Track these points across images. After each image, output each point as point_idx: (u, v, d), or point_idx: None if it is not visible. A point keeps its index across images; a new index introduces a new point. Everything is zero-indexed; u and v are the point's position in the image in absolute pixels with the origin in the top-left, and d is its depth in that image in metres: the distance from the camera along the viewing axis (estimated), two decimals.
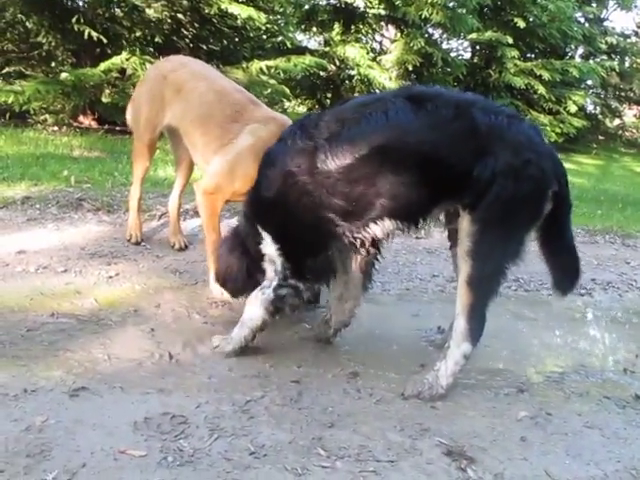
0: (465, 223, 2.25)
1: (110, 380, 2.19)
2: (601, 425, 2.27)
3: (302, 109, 12.07)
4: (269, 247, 2.43)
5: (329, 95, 11.54)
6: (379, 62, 10.62)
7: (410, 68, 10.51)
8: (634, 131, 20.79)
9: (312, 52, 9.94)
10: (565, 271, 2.50)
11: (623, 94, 19.65)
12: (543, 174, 2.25)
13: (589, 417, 2.32)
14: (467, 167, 2.19)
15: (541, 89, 13.13)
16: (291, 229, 2.38)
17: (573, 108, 13.99)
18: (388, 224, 2.32)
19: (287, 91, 8.28)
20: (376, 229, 2.32)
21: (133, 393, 2.12)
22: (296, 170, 2.29)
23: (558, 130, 13.79)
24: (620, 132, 20.42)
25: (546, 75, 12.93)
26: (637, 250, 5.08)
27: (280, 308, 2.45)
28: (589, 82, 16.06)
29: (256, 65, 7.67)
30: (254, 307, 2.46)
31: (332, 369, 2.48)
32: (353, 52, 10.11)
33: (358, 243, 2.37)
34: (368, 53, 10.15)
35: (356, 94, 11.40)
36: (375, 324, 3.05)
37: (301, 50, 9.62)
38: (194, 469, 1.75)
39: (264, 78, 7.88)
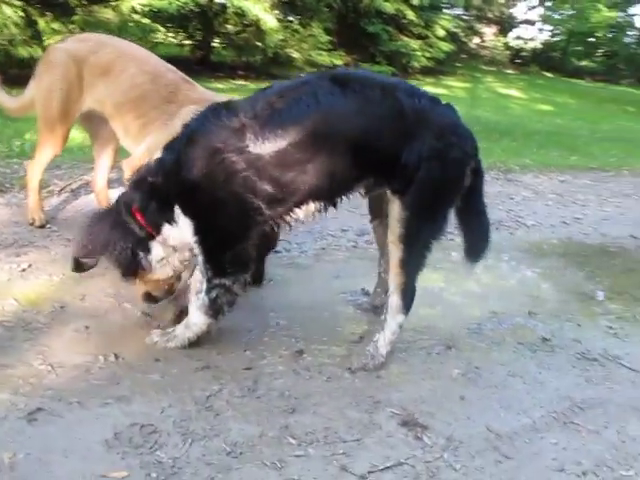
0: (396, 209, 2.36)
1: (64, 395, 2.13)
2: (521, 372, 2.59)
3: (173, 40, 11.40)
4: (186, 236, 2.34)
5: (200, 27, 10.97)
6: None
7: None
8: (494, 50, 21.97)
9: None
10: (476, 240, 2.66)
11: (484, 14, 20.52)
12: (464, 155, 2.40)
13: (510, 366, 2.63)
14: (395, 150, 2.27)
15: (410, 14, 13.37)
16: (214, 218, 2.31)
17: (441, 32, 14.46)
18: (312, 207, 2.36)
19: (160, 28, 7.79)
20: (300, 213, 2.36)
21: (92, 407, 2.09)
22: (223, 147, 2.20)
23: (428, 54, 14.26)
24: (481, 51, 21.47)
25: (415, 0, 13.16)
26: (518, 185, 5.56)
27: (219, 309, 2.42)
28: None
29: (127, 4, 7.10)
30: (195, 313, 2.44)
31: (277, 349, 2.56)
32: None
33: (277, 228, 2.43)
34: None
35: (229, 26, 10.98)
36: (302, 291, 3.15)
37: None
38: None
39: (136, 17, 7.33)
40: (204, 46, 10.78)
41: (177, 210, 2.31)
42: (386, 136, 2.28)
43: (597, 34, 21.80)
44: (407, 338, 2.74)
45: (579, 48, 23.75)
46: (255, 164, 2.20)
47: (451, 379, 2.50)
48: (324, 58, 11.07)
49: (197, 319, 2.45)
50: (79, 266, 2.46)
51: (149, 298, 2.61)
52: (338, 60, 11.61)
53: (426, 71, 14.69)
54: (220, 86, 8.80)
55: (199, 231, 2.30)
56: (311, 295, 3.12)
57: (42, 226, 3.44)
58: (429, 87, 12.77)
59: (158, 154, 2.42)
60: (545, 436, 2.20)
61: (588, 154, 7.26)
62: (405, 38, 13.83)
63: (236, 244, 2.33)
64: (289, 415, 2.16)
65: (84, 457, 1.85)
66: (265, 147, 2.19)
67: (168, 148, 2.38)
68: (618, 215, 5.15)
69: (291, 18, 10.31)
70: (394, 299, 2.48)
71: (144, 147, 2.94)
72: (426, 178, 2.30)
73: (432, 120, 2.31)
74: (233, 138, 2.20)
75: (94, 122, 3.33)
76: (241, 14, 9.51)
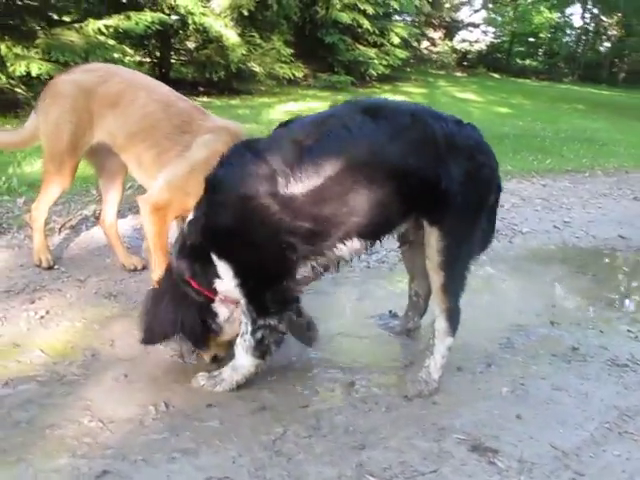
0: (434, 239, 2.33)
1: (125, 453, 2.04)
2: (564, 385, 2.63)
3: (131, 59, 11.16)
4: (228, 282, 2.27)
5: (159, 45, 10.79)
6: (211, 9, 10.09)
7: (245, 13, 10.15)
8: (443, 54, 22.52)
9: (139, 3, 9.12)
10: (484, 239, 2.64)
11: (433, 20, 21.02)
12: (492, 173, 2.42)
13: (551, 379, 2.67)
14: (434, 176, 2.23)
15: (366, 23, 13.51)
16: (251, 260, 2.24)
17: (396, 40, 14.67)
18: (356, 244, 2.30)
19: (127, 50, 7.62)
20: (344, 250, 2.29)
21: (160, 463, 2.00)
22: (254, 194, 2.13)
23: (385, 62, 14.43)
24: (431, 56, 21.99)
25: (370, 9, 13.30)
26: (505, 192, 5.60)
27: (266, 350, 2.36)
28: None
29: (92, 25, 6.90)
30: (242, 356, 2.37)
31: (327, 383, 2.53)
32: (184, 0, 9.46)
33: (322, 268, 2.36)
34: (201, 0, 9.56)
35: (191, 44, 10.86)
36: (329, 318, 3.09)
37: (132, 3, 8.78)
38: None
39: (101, 39, 7.14)
40: (164, 64, 10.61)
41: (215, 258, 2.25)
42: (423, 162, 2.22)
43: (540, 35, 22.67)
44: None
45: (522, 49, 24.66)
46: (290, 205, 2.13)
47: (502, 398, 2.52)
48: (285, 71, 11.06)
49: (244, 361, 2.38)
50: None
51: (215, 359, 2.55)
52: (298, 72, 11.63)
53: (383, 79, 14.88)
54: None
55: (238, 274, 2.24)
56: (340, 321, 3.09)
57: (50, 267, 3.30)
58: (388, 94, 13.00)
59: (190, 215, 2.35)
60: (606, 449, 2.24)
61: (560, 156, 7.50)
62: (361, 47, 13.98)
63: (276, 283, 2.27)
64: (360, 451, 2.13)
65: None
66: (298, 188, 2.11)
67: (198, 205, 2.32)
68: (601, 216, 5.33)
69: (252, 33, 10.20)
70: (441, 323, 2.48)
71: (162, 182, 2.85)
72: (463, 203, 2.29)
73: (461, 143, 2.30)
74: (264, 184, 2.12)
75: (100, 155, 3.21)
76: (202, 30, 9.39)
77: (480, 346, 2.94)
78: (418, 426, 2.28)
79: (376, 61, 13.99)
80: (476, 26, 24.45)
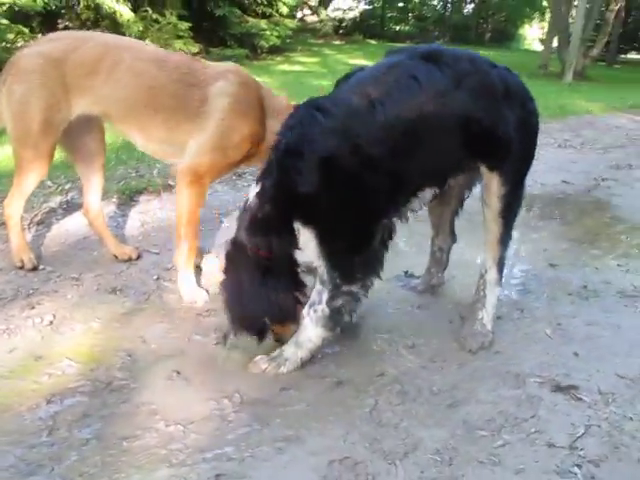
0: (495, 185, 2.35)
1: (226, 452, 1.87)
2: (594, 320, 2.75)
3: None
4: (312, 250, 2.15)
5: (44, 24, 9.83)
6: None
7: None
8: (321, 23, 22.56)
9: None
10: None
11: None
12: (537, 120, 2.46)
13: (581, 316, 2.79)
14: (494, 123, 2.22)
15: None
16: (338, 224, 2.14)
17: (285, 10, 14.43)
18: (428, 193, 2.33)
19: (25, 30, 6.85)
20: (416, 202, 2.31)
21: (269, 456, 1.86)
22: (335, 155, 2.03)
23: (276, 33, 14.16)
24: (316, 25, 21.97)
25: None
26: None
27: (339, 319, 2.26)
28: None
29: None
30: (309, 328, 2.25)
31: (388, 348, 2.47)
32: None
33: (395, 221, 2.32)
34: None
35: (79, 21, 9.99)
36: None
37: None
38: None
39: None
40: None
41: (297, 227, 2.11)
42: (486, 108, 2.20)
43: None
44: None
45: (394, 14, 25.30)
46: (370, 163, 2.05)
47: (550, 339, 2.60)
48: (181, 46, 10.53)
49: (312, 334, 2.26)
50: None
51: (279, 339, 2.40)
52: (194, 48, 11.13)
53: (273, 50, 14.62)
54: None
55: (324, 241, 2.11)
56: None
57: (34, 268, 2.92)
58: (284, 66, 12.84)
59: (253, 189, 2.17)
60: None
61: None
62: (251, 19, 13.60)
63: (363, 246, 2.18)
64: (456, 409, 2.11)
65: None
66: (376, 144, 2.04)
67: (265, 174, 2.14)
68: (542, 165, 5.59)
69: (146, 8, 9.57)
70: (492, 274, 2.52)
71: (196, 146, 2.59)
72: (519, 149, 2.32)
73: (514, 89, 2.31)
74: (343, 144, 2.02)
75: (72, 135, 2.84)
76: (95, 8, 8.67)
77: (502, 294, 3.00)
78: (495, 376, 2.31)
79: (268, 32, 13.69)
80: None
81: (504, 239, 2.47)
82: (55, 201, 3.41)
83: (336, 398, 2.16)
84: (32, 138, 2.70)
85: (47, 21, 9.33)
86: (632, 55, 25.47)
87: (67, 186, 3.64)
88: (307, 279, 2.32)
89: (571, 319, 2.78)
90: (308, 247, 2.13)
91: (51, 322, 2.56)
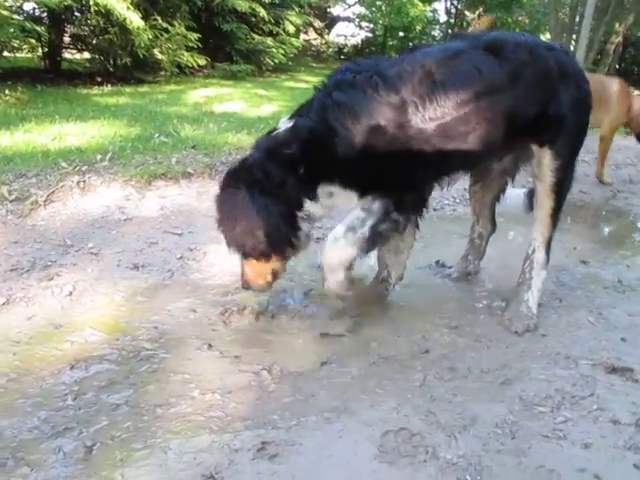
0: (547, 159, 2.34)
1: (271, 421, 1.75)
2: (635, 311, 2.64)
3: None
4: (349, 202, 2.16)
5: (49, 30, 9.77)
6: None
7: None
8: (324, 46, 22.86)
9: None
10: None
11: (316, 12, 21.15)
12: (591, 100, 2.42)
13: (621, 307, 2.69)
14: (545, 105, 2.23)
15: (262, 11, 13.24)
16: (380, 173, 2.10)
17: (291, 28, 14.54)
18: (460, 174, 2.37)
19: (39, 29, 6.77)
20: (445, 179, 2.30)
21: (319, 425, 1.74)
22: (384, 125, 2.00)
23: (282, 51, 14.25)
24: (320, 47, 22.29)
25: None
26: None
27: (376, 243, 2.19)
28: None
29: None
30: (343, 247, 2.13)
31: (431, 329, 2.34)
32: None
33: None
34: None
35: (87, 28, 9.95)
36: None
37: None
38: None
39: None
40: (57, 52, 9.62)
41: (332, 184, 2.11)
42: (539, 96, 2.22)
43: (413, 29, 23.65)
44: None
45: (394, 42, 25.64)
46: (417, 137, 2.04)
47: (594, 326, 2.49)
48: (189, 59, 10.53)
49: (343, 252, 2.14)
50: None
51: (275, 276, 2.25)
52: (202, 60, 11.13)
53: (278, 68, 14.70)
54: (83, 91, 7.87)
55: (382, 179, 2.10)
56: None
57: None
58: (290, 83, 12.89)
59: (287, 122, 2.09)
60: None
61: None
62: (257, 36, 13.68)
63: (418, 186, 2.21)
64: (509, 386, 1.99)
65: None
66: (428, 122, 2.03)
67: (304, 117, 2.10)
68: None
69: (155, 17, 9.56)
70: (540, 255, 2.45)
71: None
72: (572, 126, 2.31)
73: (569, 71, 2.31)
74: (395, 114, 2.00)
75: None
76: (105, 14, 8.62)
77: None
78: (545, 357, 2.19)
79: (274, 50, 13.77)
80: (351, 20, 24.98)
81: (555, 215, 2.44)
82: (72, 180, 3.27)
83: (382, 372, 2.03)
84: None
85: (54, 26, 9.28)
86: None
87: (84, 168, 3.51)
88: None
89: (612, 309, 2.67)
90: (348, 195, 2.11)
91: (70, 292, 2.43)
